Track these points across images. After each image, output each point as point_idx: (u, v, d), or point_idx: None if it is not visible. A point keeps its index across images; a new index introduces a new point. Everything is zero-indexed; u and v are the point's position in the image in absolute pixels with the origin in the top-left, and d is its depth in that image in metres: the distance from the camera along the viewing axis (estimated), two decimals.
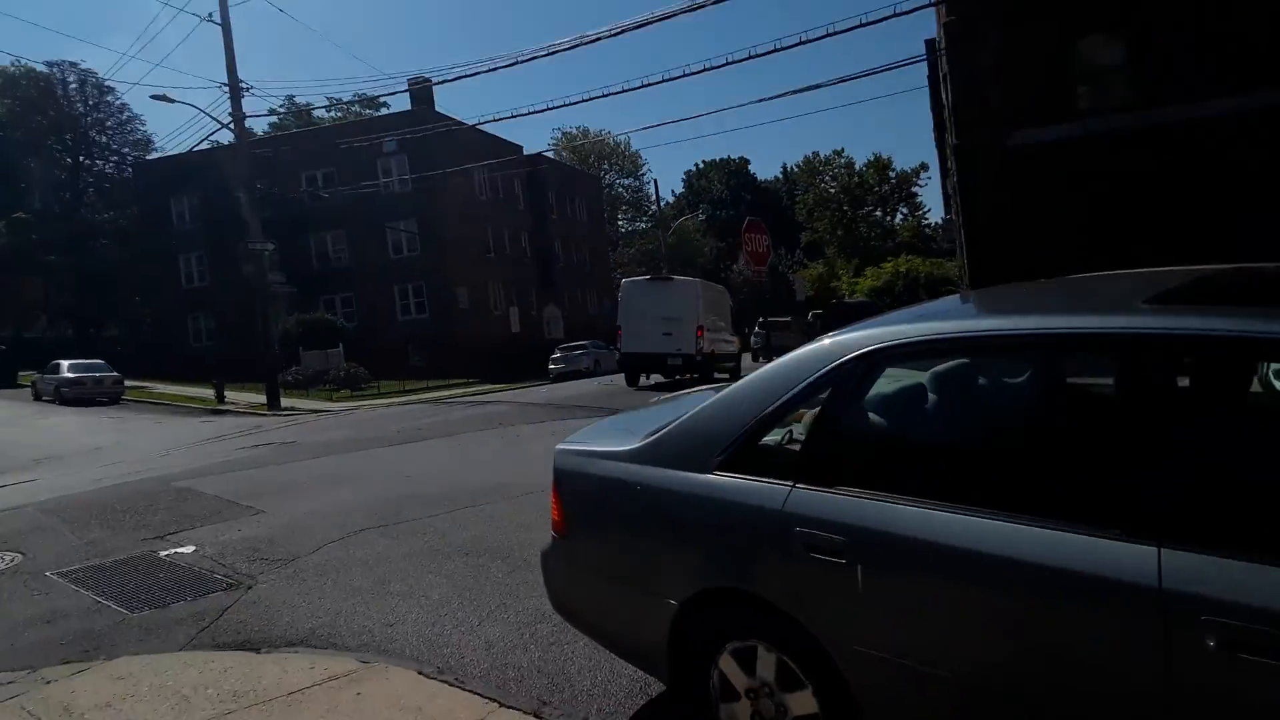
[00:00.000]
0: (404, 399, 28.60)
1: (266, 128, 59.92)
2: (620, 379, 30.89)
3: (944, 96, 22.67)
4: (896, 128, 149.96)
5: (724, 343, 25.00)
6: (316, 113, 63.33)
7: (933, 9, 19.58)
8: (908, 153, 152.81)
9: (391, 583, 5.62)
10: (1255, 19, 16.20)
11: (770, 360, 3.82)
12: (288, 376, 31.93)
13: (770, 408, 3.07)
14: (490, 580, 5.54)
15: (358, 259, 44.64)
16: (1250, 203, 16.20)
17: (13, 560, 6.86)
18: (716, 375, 23.40)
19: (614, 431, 3.99)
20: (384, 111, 60.67)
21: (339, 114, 63.41)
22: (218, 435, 17.89)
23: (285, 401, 27.16)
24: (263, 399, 28.32)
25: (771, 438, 3.14)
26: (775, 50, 19.00)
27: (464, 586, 5.45)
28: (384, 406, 25.28)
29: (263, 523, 7.60)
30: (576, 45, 20.81)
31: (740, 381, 3.40)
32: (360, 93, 48.61)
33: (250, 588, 5.78)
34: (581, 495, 3.65)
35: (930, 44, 59.79)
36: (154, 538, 7.31)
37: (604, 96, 19.90)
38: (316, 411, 25.00)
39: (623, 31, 19.83)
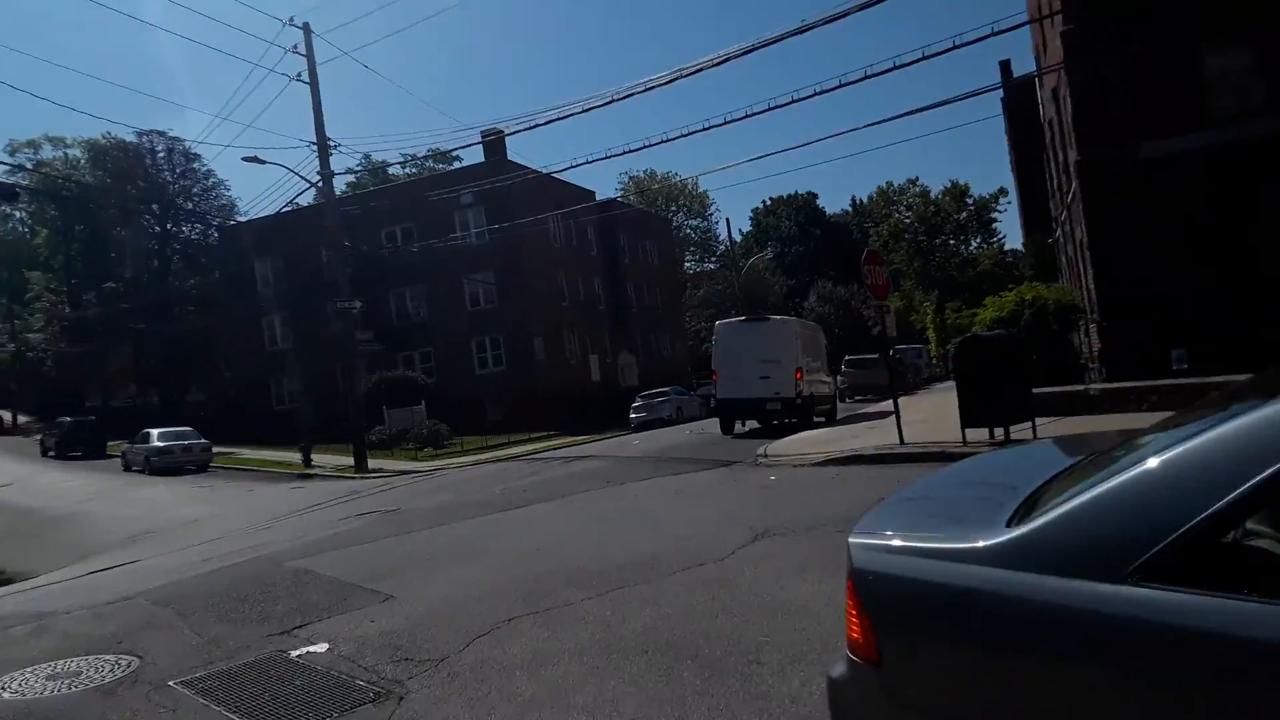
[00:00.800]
0: (489, 455, 28.03)
1: (344, 187, 61.06)
2: (710, 425, 30.00)
3: (1056, 111, 21.52)
4: (970, 154, 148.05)
5: (821, 384, 23.95)
6: (392, 169, 64.63)
7: (992, 38, 18.59)
8: (983, 179, 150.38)
9: (571, 693, 4.74)
10: None
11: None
12: (370, 436, 31.68)
13: (1242, 491, 2.11)
14: (689, 689, 4.62)
15: (437, 314, 44.67)
16: None
17: (129, 666, 6.16)
18: (814, 419, 22.34)
19: (922, 514, 3.07)
20: (457, 165, 61.58)
21: (414, 170, 64.55)
22: (313, 503, 17.39)
23: (371, 463, 26.80)
24: (348, 460, 28.02)
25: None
26: (840, 86, 18.07)
27: (661, 698, 4.54)
28: (471, 465, 24.70)
29: (396, 611, 6.83)
30: (639, 91, 20.23)
31: (1160, 453, 2.42)
32: (434, 147, 48.65)
33: (402, 699, 4.96)
34: (906, 610, 2.67)
35: (1004, 65, 58.43)
36: (280, 633, 6.58)
37: (668, 141, 19.39)
38: (404, 473, 24.53)
39: (679, 77, 19.13)
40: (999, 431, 12.93)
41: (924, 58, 17.27)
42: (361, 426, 26.86)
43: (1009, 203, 72.77)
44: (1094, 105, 17.20)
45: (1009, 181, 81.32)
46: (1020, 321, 16.36)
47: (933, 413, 21.09)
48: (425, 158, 67.14)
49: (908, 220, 70.72)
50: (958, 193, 69.62)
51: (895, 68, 17.25)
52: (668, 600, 6.14)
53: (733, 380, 21.54)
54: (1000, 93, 73.70)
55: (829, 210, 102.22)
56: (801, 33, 17.22)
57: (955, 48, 17.27)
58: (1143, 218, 16.51)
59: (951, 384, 44.79)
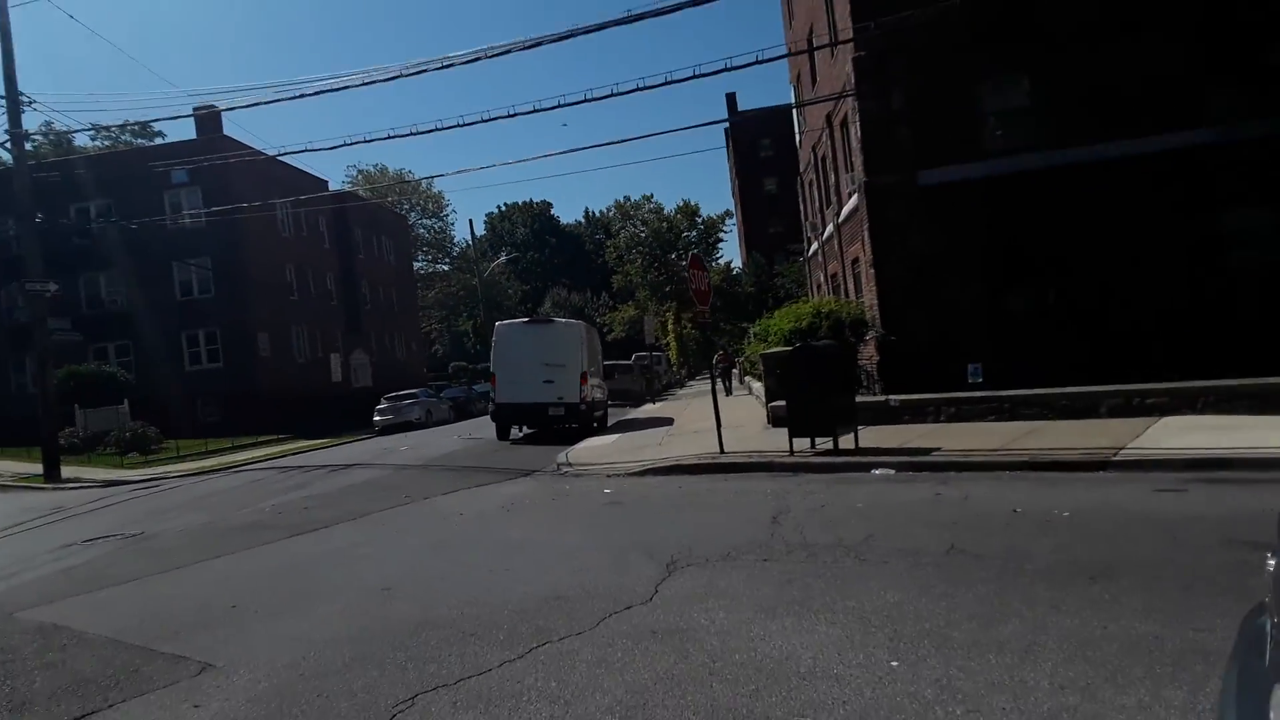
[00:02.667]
0: (218, 462, 24.48)
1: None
2: (473, 428, 28.25)
3: (830, 136, 22.21)
4: (701, 177, 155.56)
5: (599, 389, 23.16)
6: (80, 140, 56.17)
7: (726, 73, 18.98)
8: (712, 201, 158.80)
9: None
10: (1140, 68, 16.62)
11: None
12: (60, 440, 26.74)
13: None
14: None
15: (140, 302, 38.99)
16: (1150, 245, 16.52)
17: None
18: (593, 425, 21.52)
19: None
20: (160, 141, 54.62)
21: (106, 142, 56.52)
22: (7, 525, 13.86)
23: (65, 470, 22.46)
24: (33, 468, 23.45)
25: None
26: (585, 100, 17.58)
27: None
28: (199, 474, 21.31)
29: (227, 690, 4.94)
30: (370, 83, 18.10)
31: None
32: (144, 121, 42.29)
33: None
34: None
35: (730, 98, 60.99)
36: None
37: (406, 136, 17.64)
38: (113, 483, 20.67)
39: (420, 72, 17.42)
40: (820, 441, 12.75)
41: (667, 83, 17.18)
42: (53, 428, 22.42)
43: (734, 223, 76.88)
44: (881, 130, 17.77)
45: (731, 204, 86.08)
46: (817, 333, 16.47)
47: (706, 417, 20.95)
48: (121, 128, 59.33)
49: (643, 234, 72.22)
50: (689, 211, 72.18)
51: (639, 89, 16.91)
52: (621, 662, 4.82)
53: (513, 384, 20.17)
54: (726, 125, 78.14)
55: (564, 219, 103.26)
56: (533, 47, 16.31)
57: (667, 83, 17.11)
58: (928, 239, 17.24)
59: (695, 388, 45.77)
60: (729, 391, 34.34)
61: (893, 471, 10.68)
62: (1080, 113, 16.95)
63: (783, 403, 15.81)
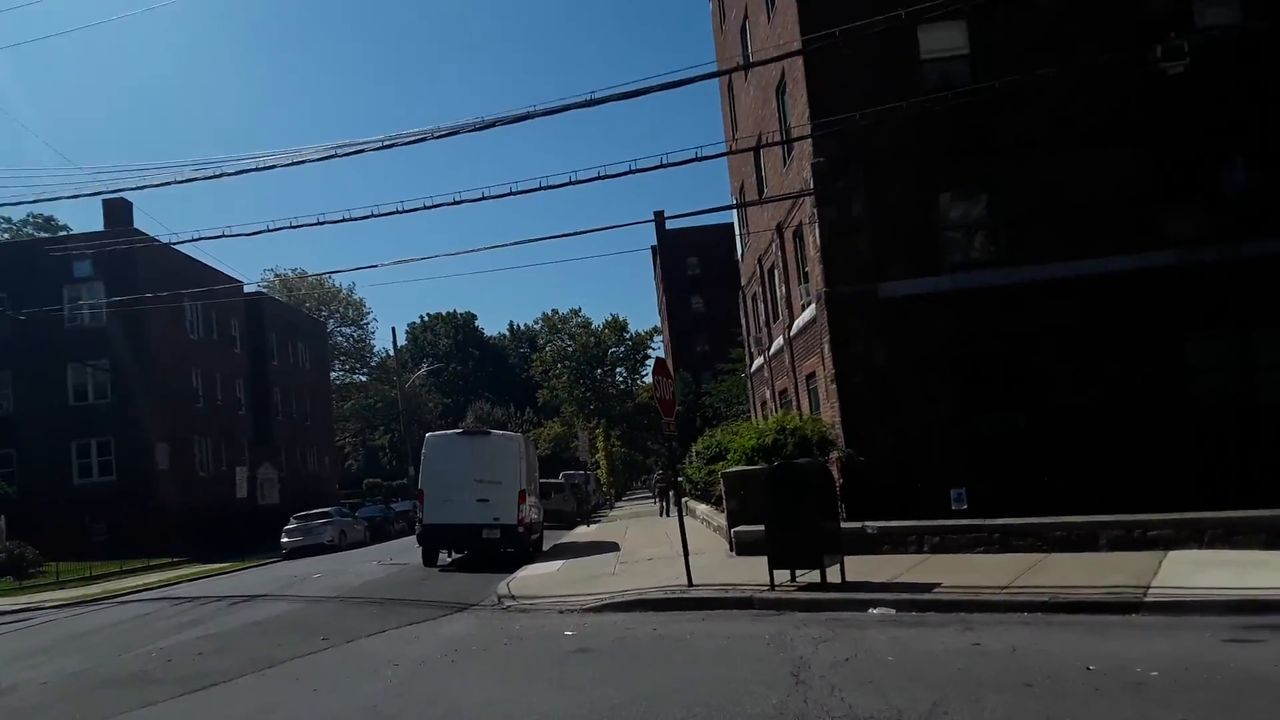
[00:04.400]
0: (102, 590, 21.76)
1: None
2: (391, 551, 26.01)
3: (780, 246, 21.67)
4: (629, 292, 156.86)
5: (536, 509, 21.46)
6: None
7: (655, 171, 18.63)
8: (639, 317, 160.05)
9: None
10: (1098, 188, 16.55)
11: None
12: None
13: None
14: None
15: (26, 406, 35.93)
16: (1116, 368, 16.07)
17: None
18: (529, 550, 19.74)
19: None
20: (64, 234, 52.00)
21: (4, 234, 53.74)
22: None
23: None
24: None
25: None
26: (511, 194, 16.45)
27: None
28: (80, 604, 18.70)
29: None
30: (298, 162, 16.61)
31: None
32: (42, 199, 39.82)
33: None
34: None
35: (659, 215, 62.13)
36: None
37: (339, 222, 16.41)
38: None
39: (357, 152, 16.00)
40: (800, 573, 11.43)
41: (599, 177, 16.02)
42: None
43: (661, 340, 76.78)
44: (841, 239, 17.15)
45: (657, 320, 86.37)
46: (784, 452, 15.34)
47: (654, 542, 19.48)
48: (24, 221, 56.57)
49: (570, 349, 71.40)
50: (618, 326, 71.86)
51: (571, 183, 15.88)
52: None
53: (443, 502, 18.36)
54: (655, 240, 79.14)
55: (489, 332, 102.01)
56: (449, 135, 15.20)
57: (600, 177, 16.15)
58: (892, 354, 16.48)
59: (626, 509, 44.18)
60: (665, 513, 32.85)
61: (893, 611, 9.40)
62: (1039, 229, 16.65)
63: (748, 528, 14.57)
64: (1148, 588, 9.17)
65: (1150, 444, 15.56)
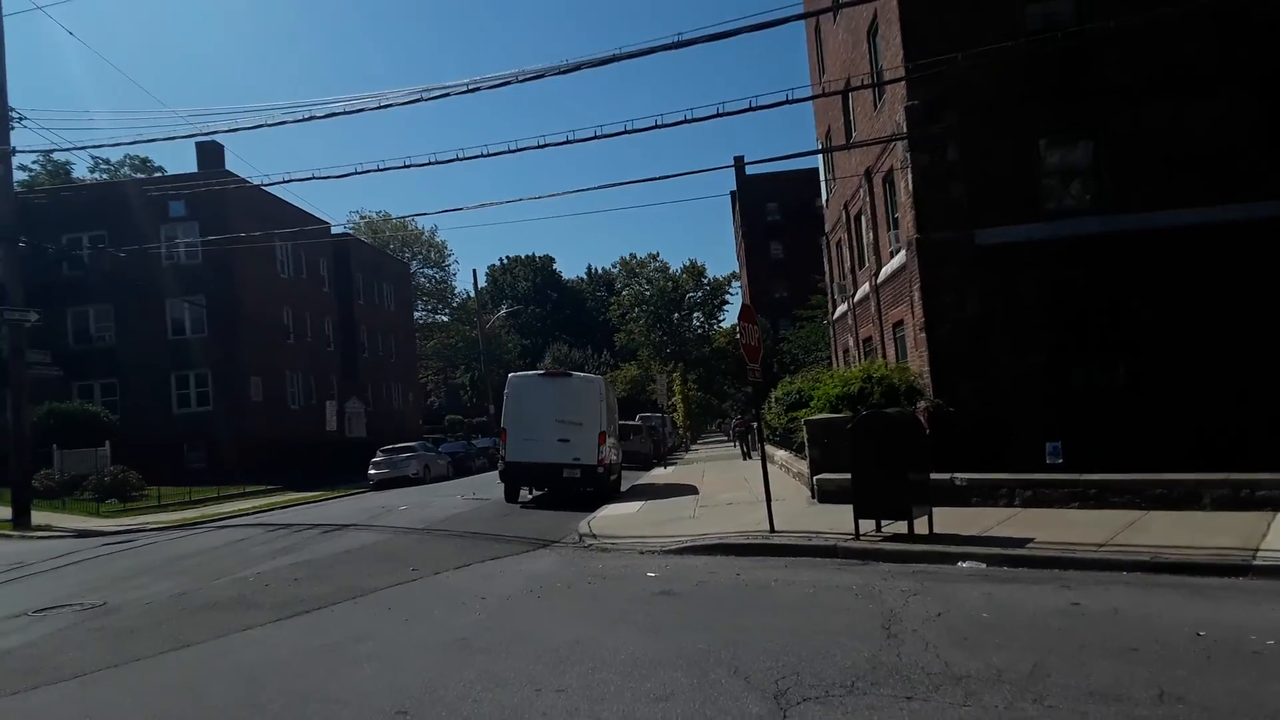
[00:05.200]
0: (200, 514, 22.75)
1: (17, 185, 51.25)
2: (475, 486, 26.56)
3: (869, 191, 21.03)
4: (706, 238, 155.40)
5: (615, 451, 21.58)
6: (77, 172, 55.26)
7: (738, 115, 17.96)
8: (717, 263, 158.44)
9: None
10: (1207, 135, 15.60)
11: None
12: (34, 482, 25.01)
13: None
14: None
15: (128, 339, 37.50)
16: (1227, 321, 15.23)
17: None
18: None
19: None
20: (159, 175, 53.62)
21: (105, 174, 55.64)
22: None
23: (36, 516, 20.69)
24: (3, 513, 21.63)
25: None
26: (595, 137, 16.21)
27: None
28: (178, 526, 19.58)
29: None
30: (386, 105, 16.55)
31: None
32: (139, 140, 40.96)
33: None
34: None
35: (739, 161, 60.69)
36: None
37: (423, 165, 16.09)
38: (84, 533, 18.95)
39: (443, 95, 15.88)
40: (886, 523, 11.22)
41: (685, 120, 15.66)
42: (27, 469, 20.72)
43: (739, 285, 75.99)
44: (934, 184, 16.53)
45: (735, 266, 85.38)
46: (869, 400, 15.01)
47: (732, 486, 19.44)
48: (121, 163, 58.47)
49: (647, 293, 71.18)
50: (696, 271, 71.28)
51: (657, 126, 15.61)
52: None
53: (526, 441, 18.57)
54: (734, 185, 77.85)
55: (566, 275, 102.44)
56: (535, 79, 14.95)
57: (685, 121, 15.62)
58: (984, 303, 15.95)
59: (701, 452, 44.48)
60: (746, 455, 32.77)
61: (984, 566, 9.15)
62: (1144, 177, 15.83)
63: (833, 475, 14.37)
64: (1257, 550, 8.72)
65: (1258, 401, 14.79)
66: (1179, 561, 8.63)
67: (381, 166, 16.70)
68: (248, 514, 22.40)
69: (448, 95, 15.33)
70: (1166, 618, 6.54)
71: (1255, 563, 8.37)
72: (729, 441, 46.19)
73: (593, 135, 16.01)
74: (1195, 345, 15.32)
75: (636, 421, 40.22)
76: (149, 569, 12.28)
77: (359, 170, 17.01)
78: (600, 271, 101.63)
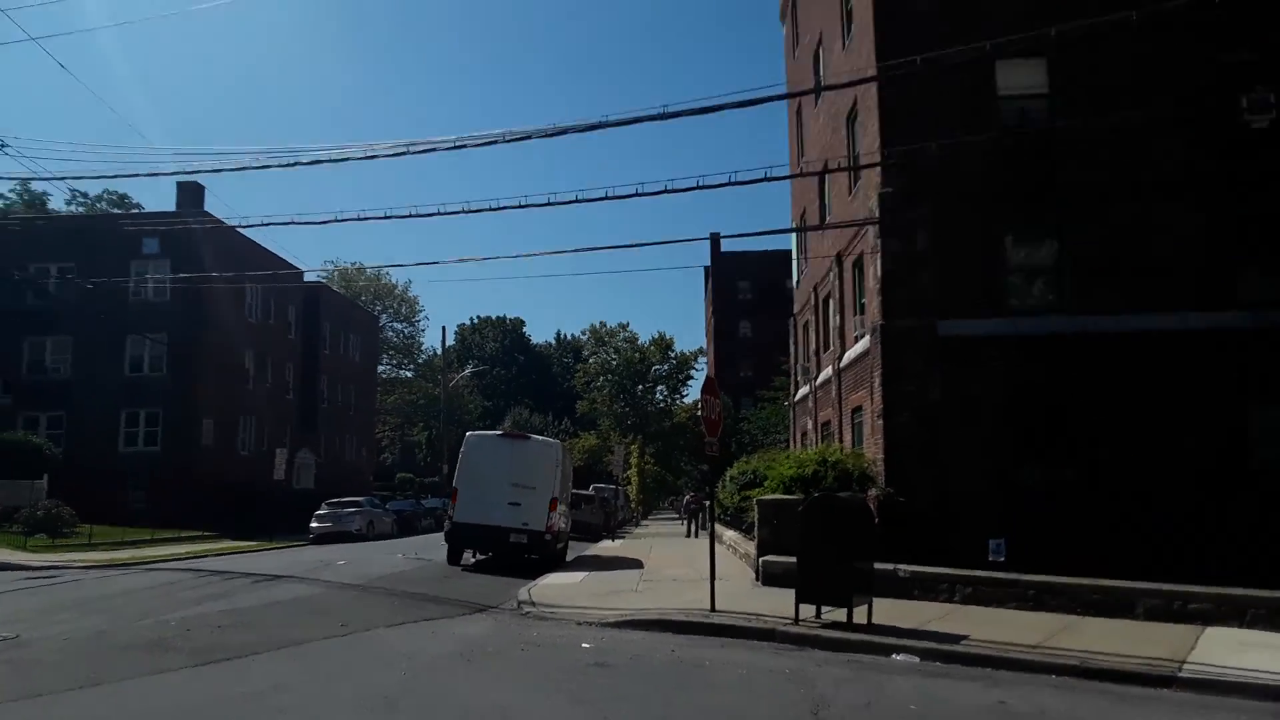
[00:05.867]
0: (130, 555, 22.12)
1: None
2: (417, 546, 26.07)
3: (838, 275, 21.45)
4: (675, 313, 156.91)
5: (565, 519, 21.38)
6: (56, 203, 55.05)
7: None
8: (685, 338, 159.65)
9: None
10: (1170, 243, 16.15)
11: None
12: None
13: None
14: None
15: (83, 372, 36.78)
16: (1178, 430, 15.57)
17: None
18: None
19: None
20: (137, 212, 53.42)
21: (82, 207, 55.43)
22: None
23: None
24: None
25: None
26: (577, 200, 16.49)
27: None
28: (107, 566, 19.00)
29: None
30: (372, 156, 16.76)
31: None
32: (118, 175, 41.07)
33: None
34: None
35: (714, 238, 61.84)
36: None
37: (405, 217, 16.38)
38: (5, 567, 18.29)
39: (429, 150, 16.07)
40: (825, 610, 11.17)
41: (665, 191, 16.02)
42: None
43: (705, 362, 76.45)
44: (903, 272, 16.89)
45: (703, 342, 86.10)
46: (823, 484, 15.09)
47: (679, 563, 19.29)
48: (99, 197, 58.32)
49: (614, 362, 71.42)
50: (663, 344, 71.74)
51: (637, 194, 15.80)
52: None
53: (475, 502, 18.34)
54: (709, 260, 79.03)
55: (536, 339, 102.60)
56: (521, 140, 15.17)
57: (666, 190, 16.00)
58: (944, 394, 16.17)
59: (651, 528, 43.99)
60: (694, 534, 32.59)
61: (917, 660, 9.14)
62: (1107, 279, 16.27)
63: (778, 558, 14.33)
64: (1183, 662, 8.79)
65: (1201, 513, 15.04)
66: (1108, 668, 8.67)
67: (362, 216, 16.80)
68: (181, 559, 21.80)
69: (434, 150, 15.54)
70: None
71: (1181, 674, 8.43)
72: (680, 519, 45.96)
73: (574, 199, 16.24)
74: (1147, 450, 15.58)
75: (590, 491, 39.95)
76: (69, 606, 11.89)
77: (339, 218, 17.03)
78: (570, 337, 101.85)
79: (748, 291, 73.73)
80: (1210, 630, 10.54)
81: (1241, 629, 10.66)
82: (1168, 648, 9.38)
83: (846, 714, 6.46)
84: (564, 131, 15.31)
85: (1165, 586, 11.50)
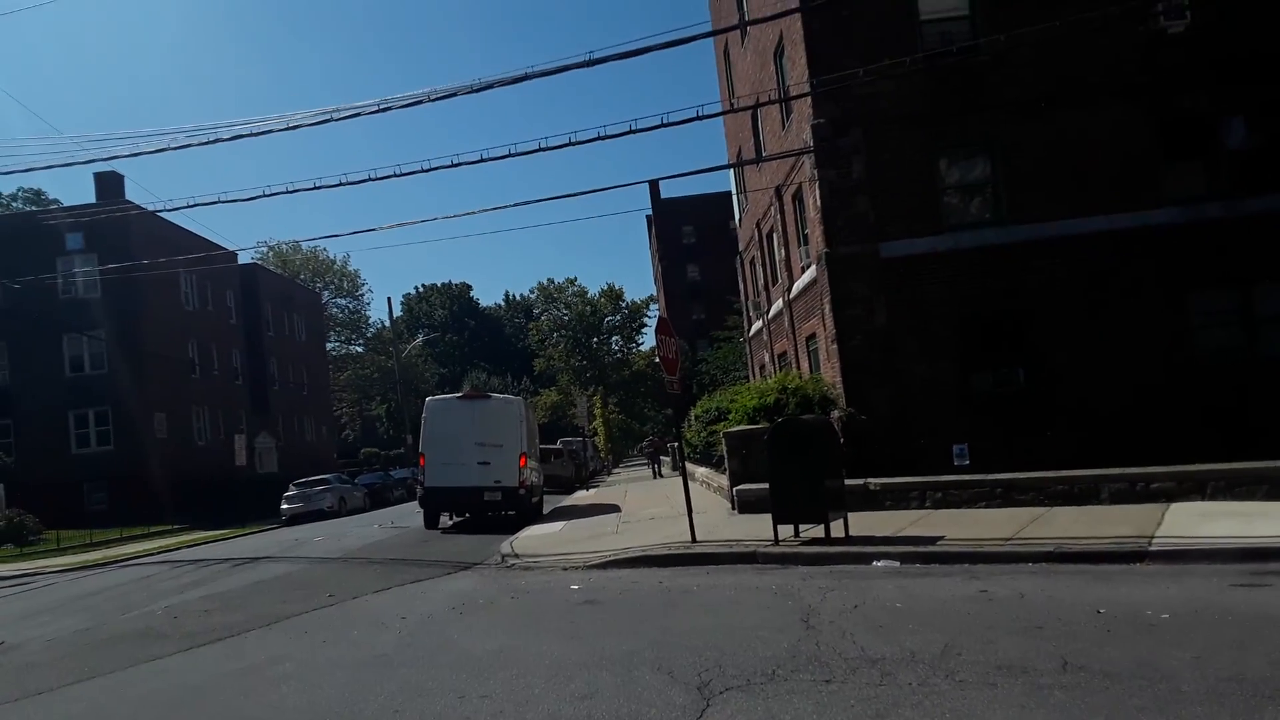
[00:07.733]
0: (104, 555, 21.79)
1: None
2: (392, 516, 26.03)
3: (779, 209, 21.53)
4: (623, 263, 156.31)
5: (536, 473, 21.46)
6: None
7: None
8: (635, 287, 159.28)
9: None
10: (1099, 146, 16.45)
11: None
12: None
13: None
14: None
15: (21, 377, 35.78)
16: (1119, 325, 16.04)
17: None
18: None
19: None
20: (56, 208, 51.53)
21: None
22: None
23: None
24: None
25: None
26: (510, 155, 16.21)
27: None
28: (82, 569, 18.72)
29: None
30: (294, 126, 16.33)
31: None
32: (31, 168, 39.56)
33: None
34: None
35: (654, 185, 61.23)
36: None
37: (335, 186, 15.78)
38: None
39: (354, 115, 15.65)
40: (804, 528, 11.44)
41: (599, 138, 15.83)
42: None
43: (657, 309, 76.48)
44: (842, 200, 17.03)
45: (653, 289, 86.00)
46: (785, 411, 15.31)
47: (655, 503, 19.52)
48: (13, 196, 56.19)
49: (566, 318, 71.16)
50: (614, 295, 71.56)
51: (570, 144, 15.62)
52: None
53: (444, 466, 18.34)
54: (650, 208, 78.73)
55: (484, 302, 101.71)
56: (447, 97, 14.90)
57: (599, 138, 15.85)
58: (891, 314, 16.44)
59: (623, 475, 44.32)
60: (657, 475, 32.93)
61: (897, 563, 9.41)
62: (1040, 189, 16.56)
63: (750, 486, 14.58)
64: (1152, 537, 9.17)
65: (1151, 400, 15.55)
66: (1081, 551, 9.03)
67: (291, 188, 16.54)
68: (154, 553, 21.55)
69: (358, 115, 15.20)
70: (1069, 599, 6.84)
71: (1151, 549, 8.80)
72: (646, 463, 46.46)
73: (507, 153, 16.00)
74: (1090, 348, 16.03)
75: (558, 445, 40.07)
76: (49, 608, 11.74)
77: (267, 193, 16.57)
78: (518, 298, 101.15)
79: (691, 236, 73.70)
80: (1174, 506, 10.98)
81: (1204, 501, 11.13)
82: (1136, 526, 9.76)
83: (836, 618, 6.66)
84: (489, 86, 14.99)
85: (1127, 470, 11.93)
